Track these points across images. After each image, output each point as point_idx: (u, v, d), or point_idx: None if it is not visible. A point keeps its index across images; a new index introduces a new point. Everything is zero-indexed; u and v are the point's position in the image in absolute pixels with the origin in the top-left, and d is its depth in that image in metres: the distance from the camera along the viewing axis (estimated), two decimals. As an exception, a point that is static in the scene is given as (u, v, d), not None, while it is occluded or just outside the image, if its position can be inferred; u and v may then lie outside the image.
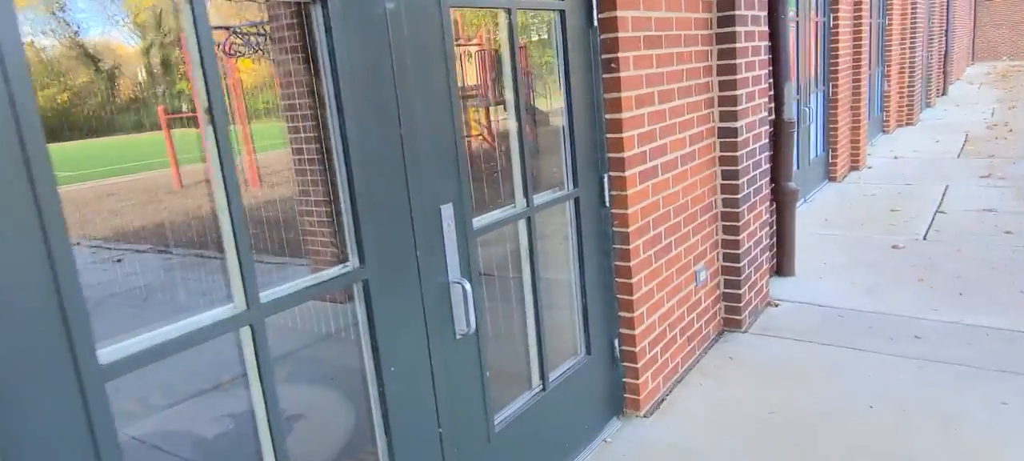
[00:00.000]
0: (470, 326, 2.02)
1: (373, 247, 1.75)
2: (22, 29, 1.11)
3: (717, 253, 3.69)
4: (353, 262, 1.74)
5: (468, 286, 1.99)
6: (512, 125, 2.31)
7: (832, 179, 7.54)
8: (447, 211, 1.97)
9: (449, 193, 1.98)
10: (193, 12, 1.36)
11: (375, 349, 1.79)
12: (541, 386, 2.50)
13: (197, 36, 1.37)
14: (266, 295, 1.51)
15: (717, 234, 3.67)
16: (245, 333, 1.50)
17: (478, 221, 2.13)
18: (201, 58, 1.38)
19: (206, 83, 1.39)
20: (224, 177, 1.43)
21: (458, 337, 2.04)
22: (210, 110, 1.40)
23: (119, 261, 8.89)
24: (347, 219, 1.73)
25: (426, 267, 1.92)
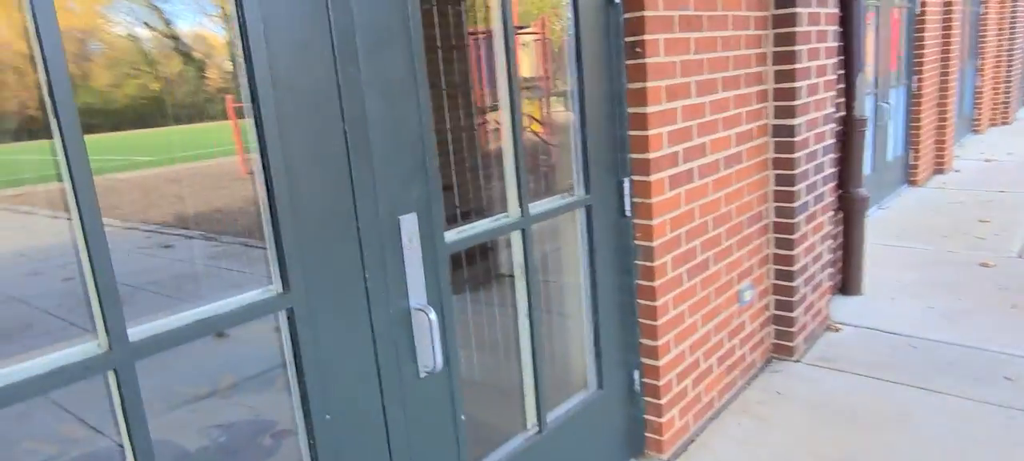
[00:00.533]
0: (437, 362, 1.66)
1: (301, 268, 1.41)
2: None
3: (767, 270, 3.21)
4: (275, 286, 1.41)
5: (434, 315, 1.63)
6: (505, 118, 1.93)
7: (912, 183, 6.81)
8: (409, 222, 1.61)
9: (412, 200, 1.62)
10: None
11: (303, 393, 1.45)
12: (537, 428, 2.12)
13: (36, 25, 1.06)
14: (138, 332, 1.19)
15: (768, 248, 3.19)
16: (111, 379, 1.19)
17: (452, 235, 1.77)
18: (42, 50, 1.06)
19: (50, 83, 1.07)
20: (76, 194, 1.11)
21: (422, 375, 1.69)
22: (56, 112, 1.08)
23: (168, 247, 8.98)
24: (268, 232, 1.39)
25: (378, 291, 1.57)
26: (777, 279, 3.23)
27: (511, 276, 2.40)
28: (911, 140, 6.75)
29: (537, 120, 9.17)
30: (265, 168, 1.35)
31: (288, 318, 1.42)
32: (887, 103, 5.97)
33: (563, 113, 2.28)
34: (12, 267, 7.95)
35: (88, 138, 1.12)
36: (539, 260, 2.40)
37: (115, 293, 1.15)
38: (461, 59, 4.64)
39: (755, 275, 3.09)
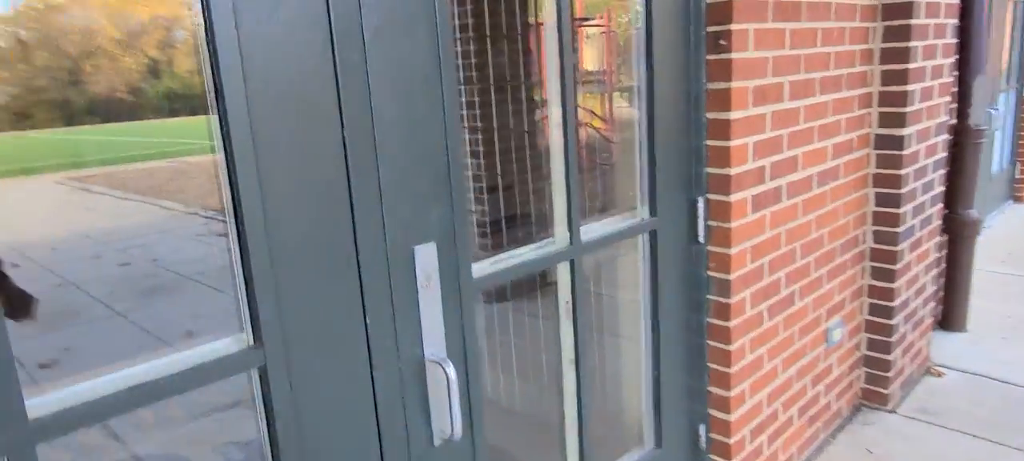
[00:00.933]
0: (455, 428, 1.32)
1: (278, 313, 1.09)
2: None
3: (860, 303, 2.74)
4: (245, 337, 1.09)
5: (452, 370, 1.29)
6: (554, 118, 1.57)
7: (1018, 199, 6.09)
8: (426, 254, 1.27)
9: (431, 226, 1.28)
10: None
11: (278, 472, 1.14)
12: (581, 496, 1.76)
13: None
14: (42, 406, 0.89)
15: (862, 278, 2.72)
16: (7, 464, 0.89)
17: (483, 267, 1.42)
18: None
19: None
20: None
21: (437, 444, 1.35)
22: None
23: (224, 235, 8.99)
24: (235, 267, 1.08)
25: (382, 340, 1.24)
26: (871, 315, 2.77)
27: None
28: (1018, 151, 6.03)
29: (599, 116, 8.75)
30: (232, 184, 1.03)
31: (260, 377, 1.10)
32: (995, 110, 5.30)
33: (627, 109, 1.93)
34: (75, 249, 8.04)
35: (170, 122, 0.84)
36: (590, 286, 2.04)
37: (8, 366, 0.85)
38: (523, 50, 4.26)
39: (846, 310, 2.64)
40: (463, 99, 3.85)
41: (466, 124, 3.87)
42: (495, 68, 3.79)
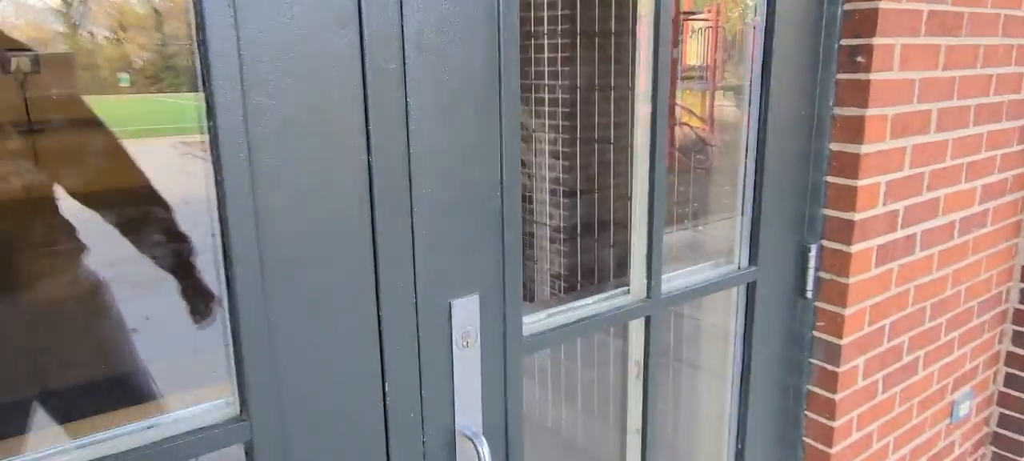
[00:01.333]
0: (488, 517, 1.08)
1: (272, 378, 0.89)
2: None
3: (994, 372, 2.31)
4: (231, 404, 0.90)
5: (486, 450, 1.05)
6: (641, 140, 1.29)
7: None
8: (466, 309, 1.04)
9: (474, 277, 1.04)
10: None
11: None
12: None
13: None
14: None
15: (999, 342, 2.29)
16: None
17: (538, 321, 1.17)
18: None
19: None
20: None
21: (465, 531, 1.13)
22: None
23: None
24: (223, 321, 0.88)
25: (404, 410, 1.02)
26: (1008, 387, 2.33)
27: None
28: None
29: (697, 116, 8.26)
30: (222, 219, 0.83)
31: (247, 454, 0.90)
32: None
33: (729, 108, 1.61)
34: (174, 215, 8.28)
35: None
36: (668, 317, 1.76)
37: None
38: (617, 44, 3.92)
39: (978, 380, 2.22)
40: (546, 96, 3.59)
41: (548, 122, 3.61)
42: (584, 63, 3.49)
